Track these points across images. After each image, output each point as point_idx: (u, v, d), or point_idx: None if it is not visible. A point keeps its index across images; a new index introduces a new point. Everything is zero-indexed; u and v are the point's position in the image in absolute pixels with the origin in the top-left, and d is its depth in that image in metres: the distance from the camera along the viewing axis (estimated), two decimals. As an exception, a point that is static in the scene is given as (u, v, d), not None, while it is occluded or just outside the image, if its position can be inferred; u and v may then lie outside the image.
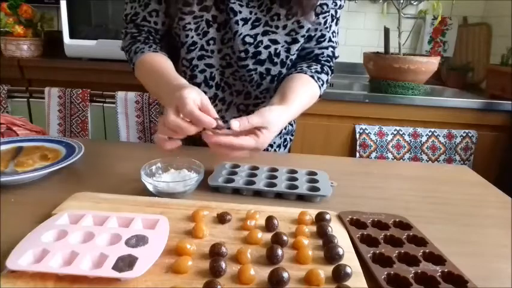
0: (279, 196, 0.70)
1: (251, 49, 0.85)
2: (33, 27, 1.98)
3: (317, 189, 0.69)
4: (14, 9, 1.90)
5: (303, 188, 0.69)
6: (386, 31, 1.78)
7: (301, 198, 0.69)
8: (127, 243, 0.47)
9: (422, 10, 1.99)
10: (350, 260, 0.49)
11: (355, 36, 2.25)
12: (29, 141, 0.83)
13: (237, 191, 0.70)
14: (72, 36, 1.87)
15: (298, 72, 0.86)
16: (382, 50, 1.83)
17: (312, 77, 0.85)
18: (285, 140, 1.08)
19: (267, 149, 1.07)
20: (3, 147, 0.79)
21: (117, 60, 1.83)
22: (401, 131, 1.72)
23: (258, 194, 0.70)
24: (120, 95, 1.80)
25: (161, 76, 0.76)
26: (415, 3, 2.17)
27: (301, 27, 0.84)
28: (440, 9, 1.74)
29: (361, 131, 1.72)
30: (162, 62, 0.80)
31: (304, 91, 0.82)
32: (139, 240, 0.47)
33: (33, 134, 0.94)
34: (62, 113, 1.85)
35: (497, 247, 0.58)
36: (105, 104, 1.87)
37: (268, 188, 0.69)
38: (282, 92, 0.79)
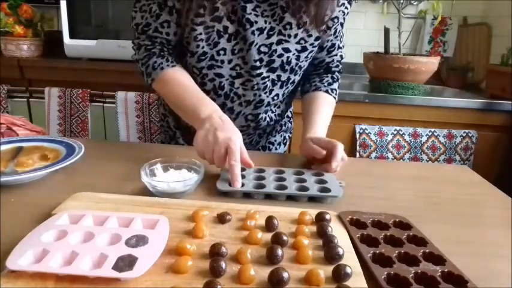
0: (290, 198, 0.69)
1: (265, 58, 0.87)
2: (33, 27, 1.98)
3: (328, 190, 0.69)
4: (14, 9, 1.90)
5: (313, 189, 0.69)
6: (386, 31, 1.78)
7: (312, 200, 0.69)
8: (127, 243, 0.47)
9: (422, 10, 2.00)
10: (350, 260, 0.49)
11: (355, 36, 2.25)
12: (29, 141, 0.83)
13: (246, 195, 0.69)
14: (72, 36, 1.87)
15: (314, 91, 0.97)
16: (382, 50, 1.83)
17: (327, 91, 0.96)
18: (284, 138, 1.12)
19: (268, 148, 1.08)
20: (3, 147, 0.79)
21: (117, 60, 1.83)
22: (401, 131, 1.72)
23: (268, 196, 0.69)
24: (120, 95, 1.80)
25: (187, 96, 0.82)
26: (415, 3, 2.17)
27: (310, 36, 0.88)
28: (440, 9, 1.74)
29: (361, 131, 1.72)
30: (185, 80, 0.86)
31: (326, 110, 0.94)
32: (139, 240, 0.47)
33: (33, 134, 0.94)
34: (62, 113, 1.85)
35: (497, 247, 0.58)
36: (105, 104, 1.87)
37: (280, 191, 0.68)
38: (308, 120, 0.91)
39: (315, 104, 0.94)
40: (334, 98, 0.98)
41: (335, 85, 0.99)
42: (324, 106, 0.94)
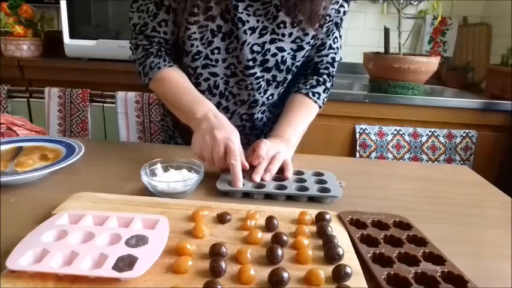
0: (289, 198, 0.69)
1: (259, 57, 0.86)
2: (33, 27, 1.98)
3: (328, 190, 0.69)
4: (14, 9, 1.90)
5: (313, 189, 0.69)
6: (386, 31, 1.78)
7: (312, 200, 0.69)
8: (127, 243, 0.47)
9: (422, 10, 1.99)
10: (350, 260, 0.49)
11: (355, 36, 2.25)
12: (29, 141, 0.83)
13: (246, 195, 0.69)
14: (72, 36, 1.87)
15: (295, 92, 0.92)
16: (382, 50, 1.83)
17: (307, 94, 0.91)
18: None
19: None
20: (3, 147, 0.79)
21: (117, 60, 1.83)
22: (401, 131, 1.72)
23: (268, 196, 0.69)
24: (120, 95, 1.80)
25: (183, 96, 0.82)
26: (415, 3, 2.17)
27: (306, 34, 0.86)
28: (440, 9, 1.74)
29: (361, 131, 1.72)
30: (182, 80, 0.85)
31: (299, 112, 0.89)
32: (139, 240, 0.47)
33: (33, 134, 0.94)
34: (62, 113, 1.85)
35: (497, 247, 0.58)
36: (105, 104, 1.87)
37: (280, 191, 0.68)
38: (278, 125, 0.87)
39: (287, 105, 0.91)
40: (315, 101, 0.91)
41: (319, 89, 0.92)
42: (298, 109, 0.90)
